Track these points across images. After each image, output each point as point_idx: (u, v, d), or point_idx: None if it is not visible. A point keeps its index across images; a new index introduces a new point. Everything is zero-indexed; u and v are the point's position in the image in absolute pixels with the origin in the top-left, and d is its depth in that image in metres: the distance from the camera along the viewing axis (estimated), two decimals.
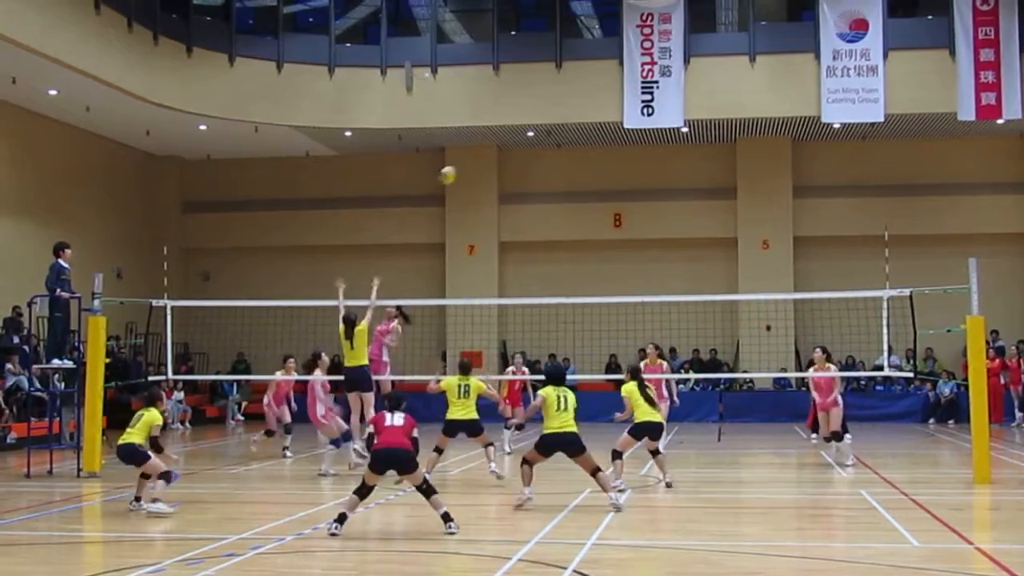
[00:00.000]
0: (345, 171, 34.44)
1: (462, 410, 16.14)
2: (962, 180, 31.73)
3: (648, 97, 28.65)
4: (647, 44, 28.70)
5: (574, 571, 9.84)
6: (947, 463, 20.87)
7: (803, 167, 32.61)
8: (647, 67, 28.69)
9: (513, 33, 32.20)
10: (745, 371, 30.17)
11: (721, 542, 11.53)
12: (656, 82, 28.66)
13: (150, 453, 13.72)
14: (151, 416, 13.90)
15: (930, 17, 30.40)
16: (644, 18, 28.69)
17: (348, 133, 31.48)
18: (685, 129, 29.85)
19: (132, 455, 13.75)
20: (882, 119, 28.12)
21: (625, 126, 29.07)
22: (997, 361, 28.33)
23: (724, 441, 24.21)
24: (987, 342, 28.25)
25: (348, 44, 31.65)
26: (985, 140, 31.51)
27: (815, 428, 24.44)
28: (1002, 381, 28.27)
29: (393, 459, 11.77)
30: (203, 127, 30.55)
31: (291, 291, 30.55)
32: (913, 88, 28.50)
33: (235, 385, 32.39)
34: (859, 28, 28.10)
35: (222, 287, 32.64)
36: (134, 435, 13.78)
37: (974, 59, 28.03)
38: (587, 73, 29.89)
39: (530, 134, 31.87)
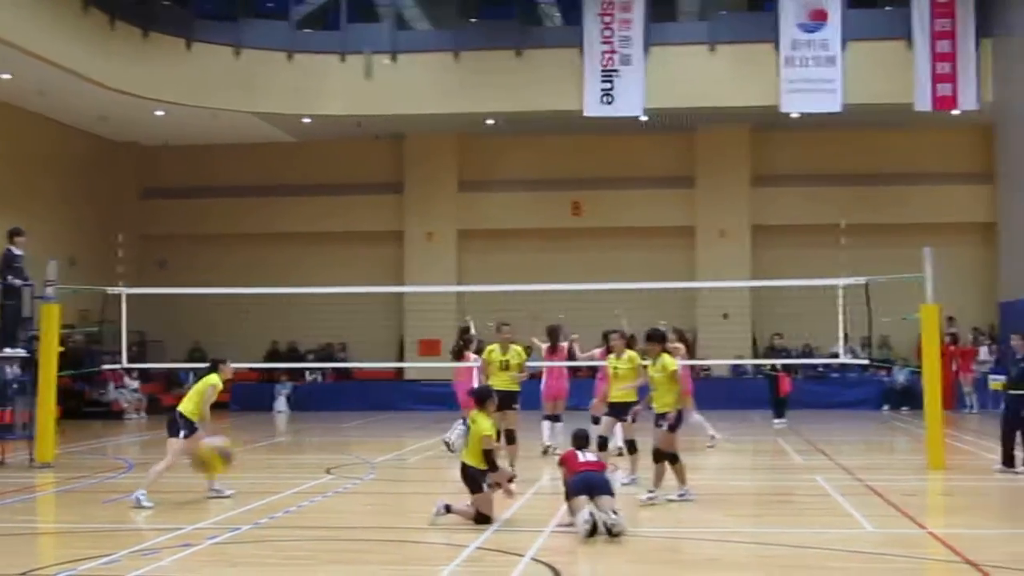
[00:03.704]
0: (304, 158, 34.21)
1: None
2: (920, 170, 31.90)
3: (608, 86, 28.64)
4: (608, 33, 28.68)
5: (532, 559, 9.84)
6: (901, 449, 21.06)
7: (762, 156, 32.72)
8: (608, 56, 28.67)
9: (474, 20, 32.11)
10: (702, 359, 30.30)
11: (680, 529, 11.57)
12: (616, 71, 28.64)
13: (199, 427, 13.36)
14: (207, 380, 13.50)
15: (888, 8, 30.56)
16: (605, 7, 28.65)
17: (307, 120, 31.29)
18: (645, 118, 29.85)
19: (171, 425, 13.43)
20: (840, 109, 28.20)
21: (585, 114, 28.99)
22: (952, 348, 28.57)
23: (681, 428, 24.23)
24: (946, 330, 28.66)
25: (308, 30, 31.46)
26: (942, 131, 31.66)
27: (779, 414, 24.78)
28: (953, 368, 28.48)
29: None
30: (160, 112, 30.25)
31: (249, 279, 30.21)
32: (871, 79, 28.60)
33: (191, 374, 32.14)
34: (818, 18, 28.18)
35: (179, 275, 32.33)
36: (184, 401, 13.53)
37: (931, 50, 28.25)
38: (548, 61, 29.83)
39: (490, 122, 31.81)
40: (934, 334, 17.10)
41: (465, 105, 30.25)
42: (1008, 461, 15.89)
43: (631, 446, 14.85)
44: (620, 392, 14.91)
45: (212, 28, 30.40)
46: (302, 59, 30.28)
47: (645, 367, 14.15)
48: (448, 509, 11.53)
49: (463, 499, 11.69)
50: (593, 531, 10.59)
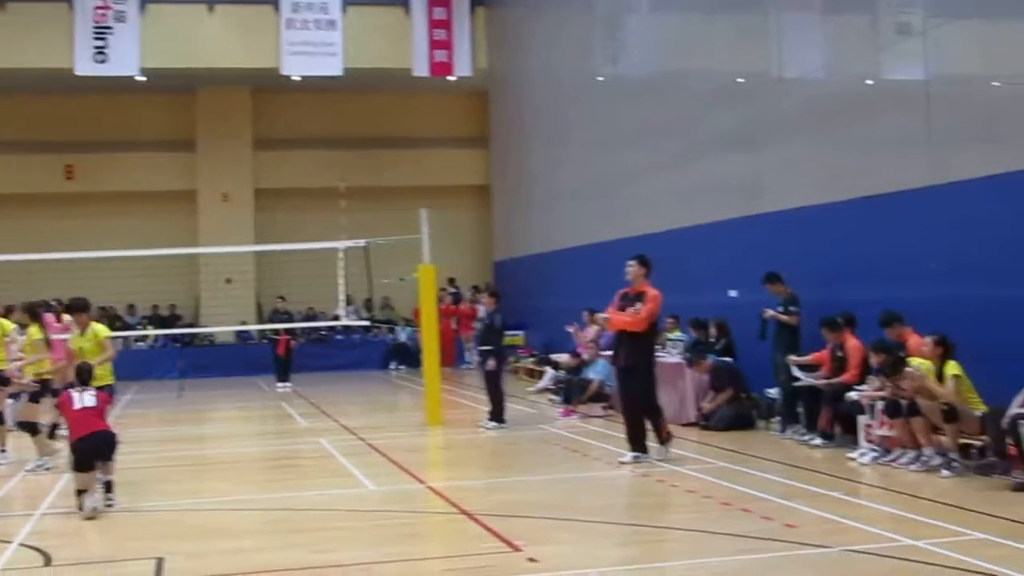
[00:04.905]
0: None
1: None
2: (420, 135, 32.87)
3: (101, 43, 27.45)
4: None
5: (21, 544, 9.27)
6: (404, 407, 21.68)
7: (265, 119, 32.48)
8: (100, 11, 27.48)
9: None
10: (206, 325, 29.90)
11: (184, 500, 11.28)
12: (110, 28, 27.51)
13: None
14: None
15: None
16: None
17: None
18: (142, 78, 28.83)
19: None
20: (340, 72, 28.58)
21: (76, 73, 27.60)
22: (453, 308, 29.77)
23: (186, 397, 23.86)
24: (447, 290, 29.86)
25: None
26: (441, 96, 32.83)
27: (283, 378, 24.91)
28: (454, 326, 29.68)
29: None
30: None
31: None
32: (371, 43, 29.23)
33: None
34: None
35: None
36: None
37: (428, 17, 29.38)
38: (34, 15, 28.09)
39: None
40: (431, 293, 17.71)
41: None
42: (494, 416, 16.57)
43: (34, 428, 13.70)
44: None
45: None
46: None
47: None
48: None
49: None
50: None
